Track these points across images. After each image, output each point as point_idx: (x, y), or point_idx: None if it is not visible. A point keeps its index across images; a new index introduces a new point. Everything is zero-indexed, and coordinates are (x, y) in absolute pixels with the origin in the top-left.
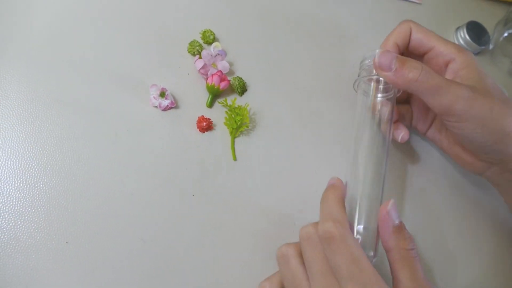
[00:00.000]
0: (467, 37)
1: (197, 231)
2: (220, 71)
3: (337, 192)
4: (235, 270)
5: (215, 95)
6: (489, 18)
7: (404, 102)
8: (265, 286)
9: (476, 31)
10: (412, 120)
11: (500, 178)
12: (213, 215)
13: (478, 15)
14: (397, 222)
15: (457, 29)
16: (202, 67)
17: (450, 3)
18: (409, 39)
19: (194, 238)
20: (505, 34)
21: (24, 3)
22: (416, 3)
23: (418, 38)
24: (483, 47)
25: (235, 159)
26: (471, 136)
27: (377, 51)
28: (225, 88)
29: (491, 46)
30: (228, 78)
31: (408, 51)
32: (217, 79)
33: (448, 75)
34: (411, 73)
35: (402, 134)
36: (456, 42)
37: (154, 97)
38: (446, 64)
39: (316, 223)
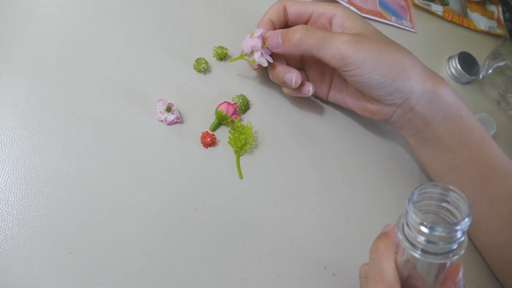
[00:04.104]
0: (459, 66)
1: (198, 245)
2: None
3: (390, 243)
4: (235, 286)
5: (221, 120)
6: (480, 49)
7: (300, 69)
8: None
9: (467, 61)
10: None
11: (403, 120)
12: (214, 230)
13: (469, 46)
14: None
15: (449, 58)
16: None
17: (444, 34)
18: (285, 16)
19: (195, 252)
20: (494, 66)
21: (35, 14)
22: (411, 31)
23: (294, 10)
24: (473, 77)
25: (241, 177)
26: (371, 80)
27: (260, 33)
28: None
29: (480, 77)
30: (232, 97)
31: (290, 25)
32: (231, 110)
33: (335, 30)
34: (294, 37)
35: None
36: (448, 71)
37: (160, 112)
38: (330, 22)
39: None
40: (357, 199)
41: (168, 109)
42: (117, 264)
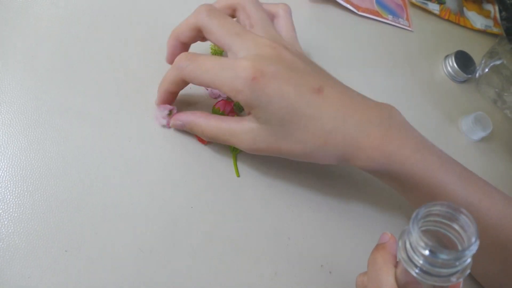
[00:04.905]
0: (455, 65)
1: (195, 243)
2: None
3: (388, 256)
4: (231, 284)
5: None
6: (477, 48)
7: None
8: None
9: (464, 60)
10: None
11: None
12: (211, 227)
13: (466, 45)
14: None
15: (446, 57)
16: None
17: (441, 32)
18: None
19: (192, 250)
20: (491, 65)
21: (29, 12)
22: (408, 30)
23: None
24: (469, 76)
25: (238, 175)
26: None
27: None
28: None
29: (477, 75)
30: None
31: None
32: (228, 108)
33: None
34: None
35: None
36: (444, 69)
37: (162, 117)
38: None
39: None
40: (355, 197)
41: (170, 114)
42: (115, 263)
